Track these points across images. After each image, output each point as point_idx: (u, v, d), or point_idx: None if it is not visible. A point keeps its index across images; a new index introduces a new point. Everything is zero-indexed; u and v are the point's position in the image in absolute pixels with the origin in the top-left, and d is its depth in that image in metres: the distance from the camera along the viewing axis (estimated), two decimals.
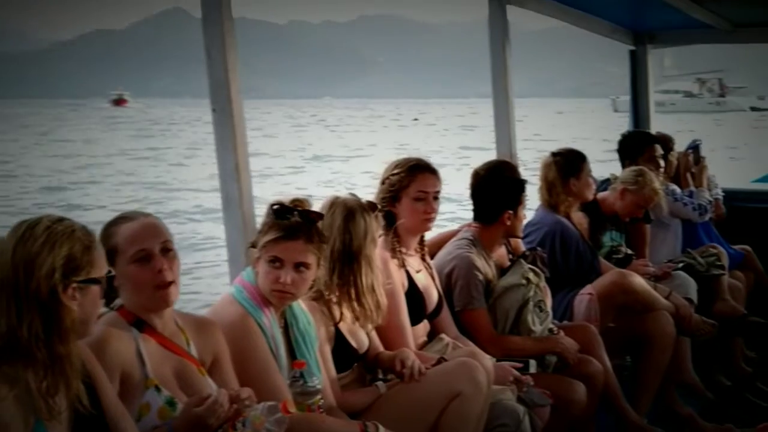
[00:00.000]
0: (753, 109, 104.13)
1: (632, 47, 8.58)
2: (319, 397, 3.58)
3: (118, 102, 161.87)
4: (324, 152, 49.63)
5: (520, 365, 4.60)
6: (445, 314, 4.87)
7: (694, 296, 6.34)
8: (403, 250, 4.64)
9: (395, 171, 4.62)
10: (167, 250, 3.16)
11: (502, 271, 5.24)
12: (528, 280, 5.06)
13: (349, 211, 4.00)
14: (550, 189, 6.02)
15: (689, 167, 7.49)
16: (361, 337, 4.12)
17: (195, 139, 56.37)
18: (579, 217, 6.19)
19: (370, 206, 4.11)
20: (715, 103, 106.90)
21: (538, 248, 5.47)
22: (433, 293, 4.78)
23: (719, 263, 6.86)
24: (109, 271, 2.74)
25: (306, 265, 3.63)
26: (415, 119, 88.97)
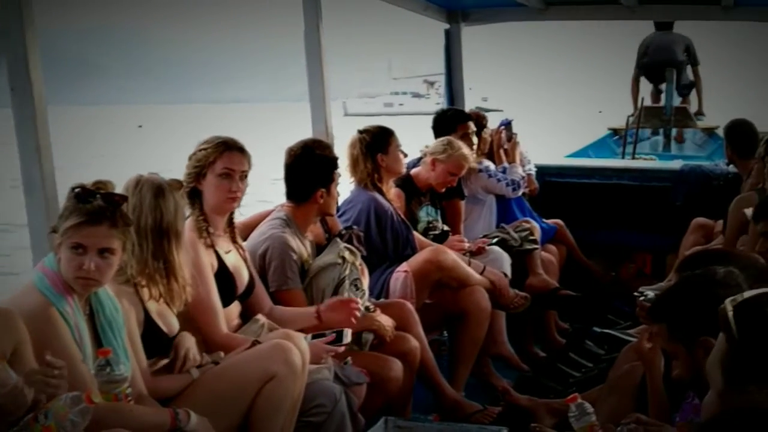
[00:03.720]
0: (478, 108, 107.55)
1: (446, 25, 8.63)
2: (126, 385, 3.46)
3: None
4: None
5: (332, 337, 4.56)
6: (259, 291, 4.79)
7: (508, 270, 6.44)
8: (211, 230, 4.54)
9: (203, 147, 4.50)
10: None
11: (318, 250, 5.22)
12: (344, 258, 5.04)
13: (158, 188, 3.90)
14: (354, 166, 6.03)
15: (502, 144, 7.61)
16: (171, 320, 4.01)
17: None
18: (395, 193, 6.23)
19: (177, 184, 4.03)
20: (442, 103, 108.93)
21: (355, 227, 5.47)
22: (243, 273, 4.69)
23: (532, 237, 7.00)
24: None
25: (111, 251, 3.48)
26: (140, 126, 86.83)
